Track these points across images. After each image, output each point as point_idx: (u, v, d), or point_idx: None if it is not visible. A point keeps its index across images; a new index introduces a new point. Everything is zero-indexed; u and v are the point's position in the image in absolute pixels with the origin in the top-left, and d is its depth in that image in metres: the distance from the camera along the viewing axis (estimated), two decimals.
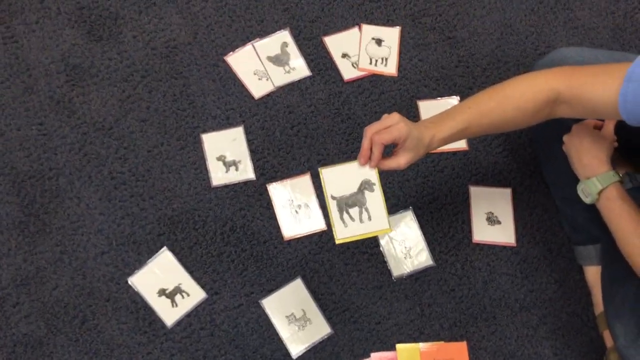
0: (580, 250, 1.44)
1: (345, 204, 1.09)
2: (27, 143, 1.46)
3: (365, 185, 1.09)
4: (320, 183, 1.16)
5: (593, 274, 1.42)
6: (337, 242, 1.08)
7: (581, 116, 1.17)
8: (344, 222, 1.08)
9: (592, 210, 1.23)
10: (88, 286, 1.39)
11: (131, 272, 1.40)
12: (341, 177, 1.10)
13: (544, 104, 1.09)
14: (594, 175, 1.18)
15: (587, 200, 1.21)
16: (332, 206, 1.09)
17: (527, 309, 1.45)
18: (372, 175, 1.09)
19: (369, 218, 1.08)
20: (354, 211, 1.09)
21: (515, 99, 1.10)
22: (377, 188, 1.09)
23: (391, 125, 1.04)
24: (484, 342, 1.42)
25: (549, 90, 1.08)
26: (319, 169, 1.10)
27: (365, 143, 1.06)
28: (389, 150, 1.08)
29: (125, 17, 1.58)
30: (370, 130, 1.05)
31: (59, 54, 1.53)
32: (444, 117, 1.12)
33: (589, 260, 1.42)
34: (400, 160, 1.07)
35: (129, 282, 1.40)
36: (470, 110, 1.11)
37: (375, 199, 1.09)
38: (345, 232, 1.07)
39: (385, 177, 1.50)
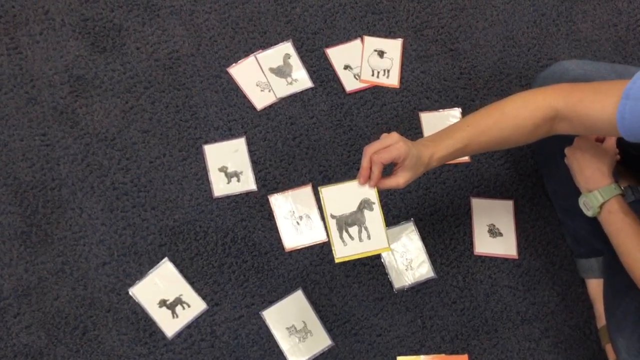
0: (582, 263, 1.44)
1: (345, 222, 1.08)
2: (30, 153, 1.47)
3: (365, 205, 1.09)
4: (320, 201, 1.16)
5: (595, 286, 1.41)
6: (336, 261, 1.08)
7: (581, 133, 1.17)
8: (343, 241, 1.08)
9: (594, 223, 1.23)
10: (89, 297, 1.39)
11: (132, 283, 1.41)
12: (341, 196, 1.09)
13: (542, 122, 1.09)
14: (596, 188, 1.18)
15: (589, 213, 1.20)
16: (332, 225, 1.08)
17: (529, 321, 1.45)
18: (372, 194, 1.09)
19: (369, 237, 1.08)
20: (354, 230, 1.08)
21: (513, 116, 1.10)
22: (377, 207, 1.09)
23: (390, 144, 1.05)
24: (486, 355, 1.42)
25: (547, 107, 1.08)
26: (319, 188, 1.10)
27: (365, 162, 1.06)
28: (389, 169, 1.09)
29: (128, 29, 1.59)
30: (369, 150, 1.05)
31: (63, 65, 1.54)
32: (443, 136, 1.12)
33: (591, 273, 1.42)
34: (400, 180, 1.07)
35: (130, 293, 1.40)
36: (468, 128, 1.12)
37: (375, 218, 1.08)
38: (345, 250, 1.07)
39: (386, 190, 1.50)
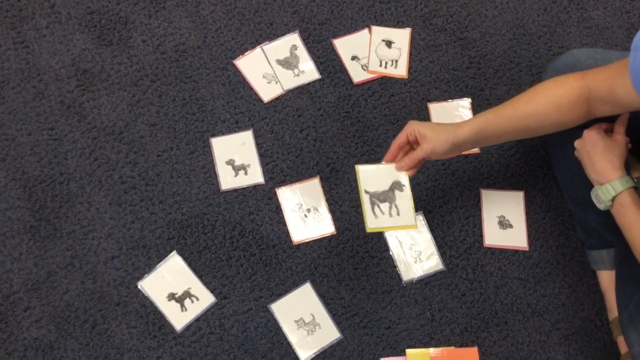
0: (593, 255, 1.42)
1: (377, 198, 1.21)
2: (38, 148, 1.47)
3: (396, 185, 1.22)
4: (355, 178, 1.31)
5: (606, 278, 1.39)
6: (367, 230, 1.19)
7: (617, 112, 1.16)
8: (374, 214, 1.20)
9: (606, 215, 1.21)
10: (98, 290, 1.40)
11: (141, 277, 1.41)
12: (375, 175, 1.22)
13: (576, 101, 1.12)
14: (607, 182, 1.16)
15: (601, 206, 1.19)
16: (365, 199, 1.21)
17: (539, 314, 1.43)
18: (403, 177, 1.23)
19: (398, 214, 1.21)
20: (385, 206, 1.21)
21: (548, 94, 1.16)
22: (407, 189, 1.22)
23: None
24: (496, 348, 1.41)
25: (581, 87, 1.12)
26: (356, 166, 1.23)
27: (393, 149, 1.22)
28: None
29: (135, 22, 1.59)
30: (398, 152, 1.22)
31: (70, 59, 1.54)
32: (477, 115, 1.21)
33: (603, 265, 1.40)
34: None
35: (139, 287, 1.40)
36: (503, 105, 1.19)
37: (405, 198, 1.22)
38: (376, 222, 1.20)
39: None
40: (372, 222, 1.19)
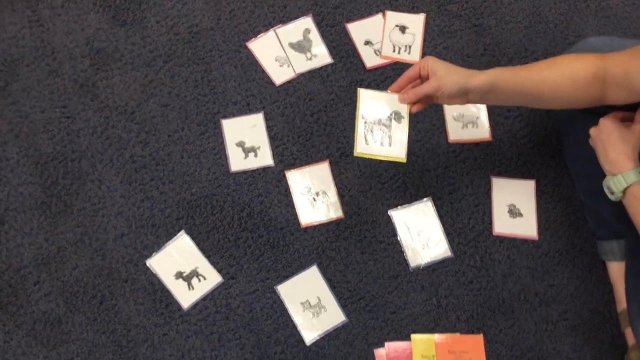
0: (603, 245, 1.40)
1: (372, 125, 1.20)
2: (50, 125, 1.49)
3: (395, 116, 1.20)
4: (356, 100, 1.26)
5: (616, 269, 1.38)
6: (355, 154, 1.20)
7: (631, 98, 1.13)
8: (366, 140, 1.20)
9: (617, 205, 1.19)
10: (107, 267, 1.41)
11: (149, 255, 1.42)
12: (375, 102, 1.21)
13: (593, 79, 1.11)
14: (620, 172, 1.14)
15: (613, 197, 1.17)
16: (360, 123, 1.20)
17: (547, 303, 1.42)
18: (404, 108, 1.20)
19: (390, 144, 1.20)
20: (378, 134, 1.20)
21: (565, 65, 1.15)
22: (405, 122, 1.20)
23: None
24: (501, 336, 1.40)
25: (598, 66, 1.11)
26: (358, 89, 1.22)
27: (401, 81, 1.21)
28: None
29: (149, 2, 1.59)
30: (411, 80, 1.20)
31: (84, 38, 1.55)
32: (492, 69, 1.18)
33: (613, 256, 1.38)
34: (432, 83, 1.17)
35: (147, 264, 1.41)
36: (519, 66, 1.19)
37: (401, 131, 1.20)
38: (365, 148, 1.20)
39: (406, 165, 1.49)
40: (362, 147, 1.19)
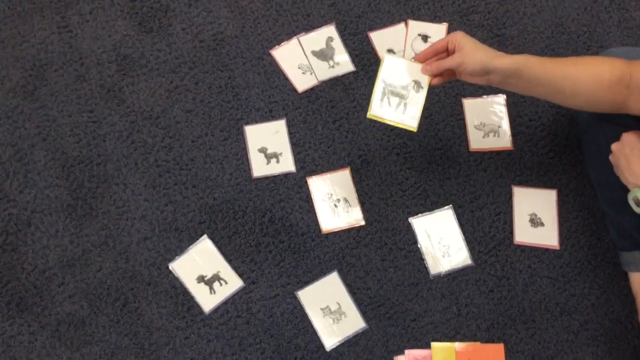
0: (625, 256, 1.40)
1: (390, 91, 1.22)
2: (77, 129, 1.52)
3: (414, 85, 1.22)
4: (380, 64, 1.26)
5: (638, 280, 1.36)
6: (368, 116, 1.23)
7: None
8: (381, 104, 1.23)
9: (639, 217, 1.19)
10: (130, 270, 1.43)
11: (172, 258, 1.44)
12: (398, 69, 1.23)
13: (617, 83, 1.11)
14: None
15: (638, 210, 1.17)
16: (379, 87, 1.23)
17: (568, 313, 1.42)
18: (425, 79, 1.22)
19: (404, 112, 1.22)
20: (394, 100, 1.22)
21: (591, 64, 1.14)
22: (423, 93, 1.22)
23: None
24: (522, 345, 1.40)
25: (624, 71, 1.10)
26: (383, 54, 1.24)
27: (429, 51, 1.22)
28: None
29: (175, 10, 1.62)
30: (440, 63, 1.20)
31: (111, 44, 1.58)
32: (519, 54, 1.18)
33: (635, 267, 1.37)
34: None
35: (170, 268, 1.43)
36: (547, 60, 1.17)
37: (417, 100, 1.22)
38: (378, 111, 1.23)
39: (427, 174, 1.49)
40: (376, 110, 1.22)
